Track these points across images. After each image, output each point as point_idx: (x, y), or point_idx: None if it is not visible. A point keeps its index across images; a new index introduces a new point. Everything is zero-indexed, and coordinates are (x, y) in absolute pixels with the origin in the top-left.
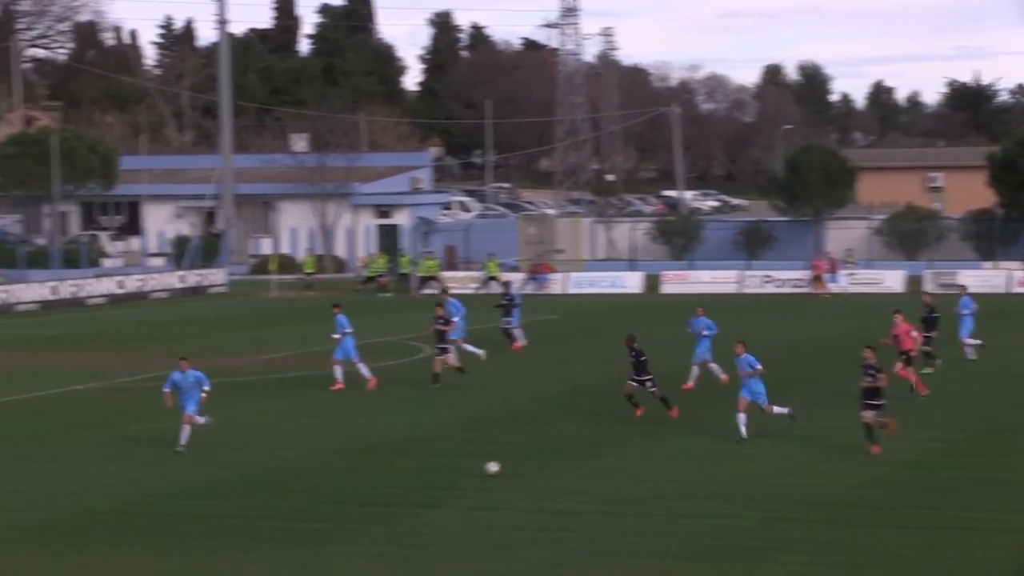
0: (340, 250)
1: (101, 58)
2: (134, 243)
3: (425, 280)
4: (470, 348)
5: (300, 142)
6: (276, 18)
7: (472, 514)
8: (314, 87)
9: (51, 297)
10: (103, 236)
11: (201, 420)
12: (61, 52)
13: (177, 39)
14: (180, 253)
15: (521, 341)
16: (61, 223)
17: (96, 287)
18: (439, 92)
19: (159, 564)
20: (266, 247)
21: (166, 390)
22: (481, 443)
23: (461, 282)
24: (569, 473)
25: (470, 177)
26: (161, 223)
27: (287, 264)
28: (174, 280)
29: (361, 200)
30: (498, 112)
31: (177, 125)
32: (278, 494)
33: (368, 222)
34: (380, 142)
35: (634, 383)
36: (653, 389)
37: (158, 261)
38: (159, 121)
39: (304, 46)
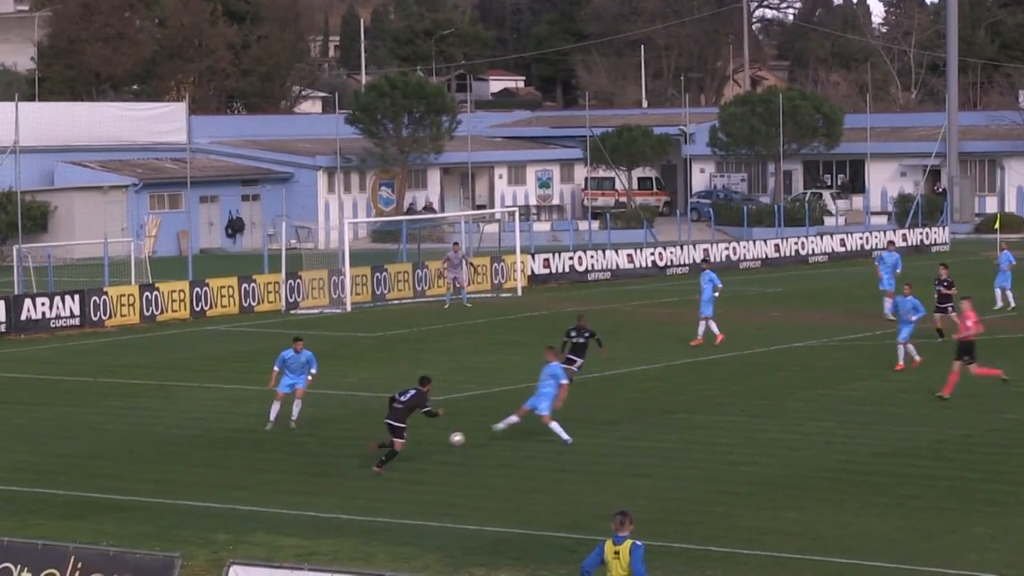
0: None
1: (828, 17)
2: (856, 201)
3: None
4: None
5: None
6: None
7: None
8: None
9: (774, 255)
10: (826, 194)
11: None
12: (789, 12)
13: None
14: (903, 211)
15: None
16: (785, 181)
17: (818, 245)
18: None
19: (876, 523)
20: (991, 206)
21: (275, 368)
22: None
23: None
24: None
25: None
26: (884, 181)
27: (1013, 223)
28: (896, 239)
29: None
30: None
31: (902, 83)
32: (998, 456)
33: None
34: None
35: None
36: None
37: (880, 220)
38: (884, 79)
39: None
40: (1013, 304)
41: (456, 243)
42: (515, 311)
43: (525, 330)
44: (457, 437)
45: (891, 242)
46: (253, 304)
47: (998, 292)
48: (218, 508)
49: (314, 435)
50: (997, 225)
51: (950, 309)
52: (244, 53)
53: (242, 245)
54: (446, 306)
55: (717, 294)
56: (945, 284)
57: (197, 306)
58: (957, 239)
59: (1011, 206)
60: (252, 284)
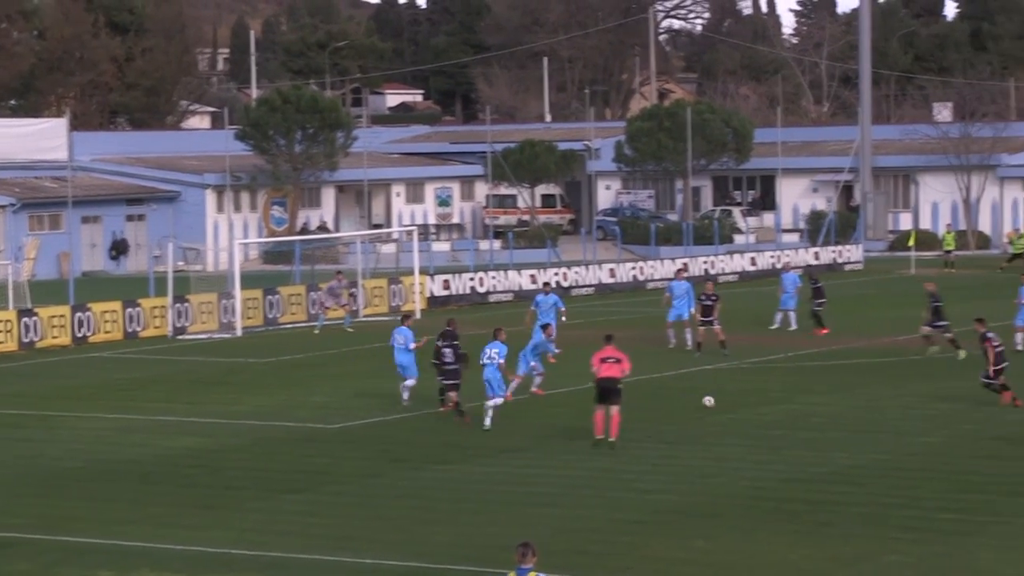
0: (984, 226)
1: (738, 28)
2: (767, 218)
3: None
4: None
5: (944, 111)
6: None
7: None
8: (960, 53)
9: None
10: (736, 211)
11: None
12: (697, 22)
13: (816, 6)
14: (815, 229)
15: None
16: (694, 198)
17: (728, 264)
18: None
19: (788, 552)
20: (905, 222)
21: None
22: None
23: None
24: None
25: None
26: (795, 197)
27: (927, 240)
28: (808, 257)
29: (1008, 172)
30: None
31: (814, 95)
32: (915, 481)
33: (1016, 195)
34: None
35: None
36: None
37: (792, 237)
38: (795, 92)
39: (950, 10)
40: (795, 326)
41: (340, 272)
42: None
43: (424, 354)
44: (709, 401)
45: (679, 270)
46: (138, 329)
47: (779, 315)
48: (102, 544)
49: (204, 466)
50: (911, 243)
51: (715, 323)
52: (128, 66)
53: (126, 267)
54: (316, 331)
55: (564, 318)
56: (712, 298)
57: (79, 332)
58: (871, 257)
59: (926, 223)
60: (137, 308)
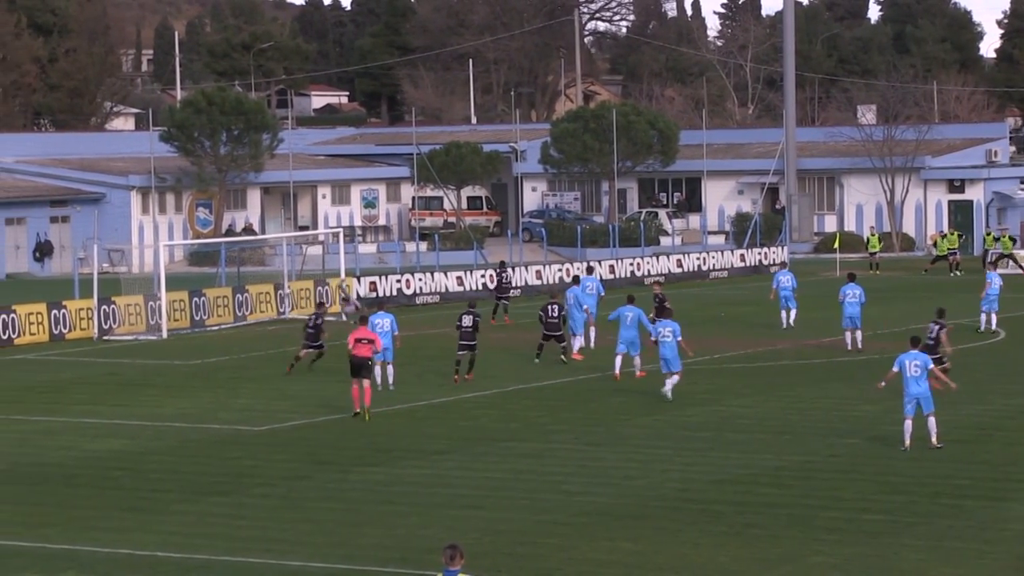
0: (909, 228)
1: (662, 30)
2: (693, 220)
3: (1000, 259)
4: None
5: (868, 114)
6: None
7: None
8: (883, 56)
9: (608, 276)
10: (662, 213)
11: None
12: (622, 24)
13: (740, 9)
14: (740, 231)
15: None
16: (620, 200)
17: (654, 265)
18: (1018, 58)
19: (715, 553)
20: (830, 224)
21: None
22: None
23: None
24: None
25: None
26: (721, 199)
27: (852, 242)
28: (734, 259)
29: (932, 175)
30: None
31: (739, 98)
32: (839, 482)
33: (939, 198)
34: (953, 112)
35: None
36: None
37: (718, 239)
38: (720, 94)
39: (873, 13)
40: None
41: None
42: (339, 337)
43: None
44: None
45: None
46: (64, 331)
47: (784, 314)
48: (26, 547)
49: (130, 469)
50: (836, 244)
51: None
52: (51, 67)
53: (51, 269)
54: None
55: None
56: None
57: (4, 334)
58: (796, 259)
59: (850, 225)
60: (62, 310)
